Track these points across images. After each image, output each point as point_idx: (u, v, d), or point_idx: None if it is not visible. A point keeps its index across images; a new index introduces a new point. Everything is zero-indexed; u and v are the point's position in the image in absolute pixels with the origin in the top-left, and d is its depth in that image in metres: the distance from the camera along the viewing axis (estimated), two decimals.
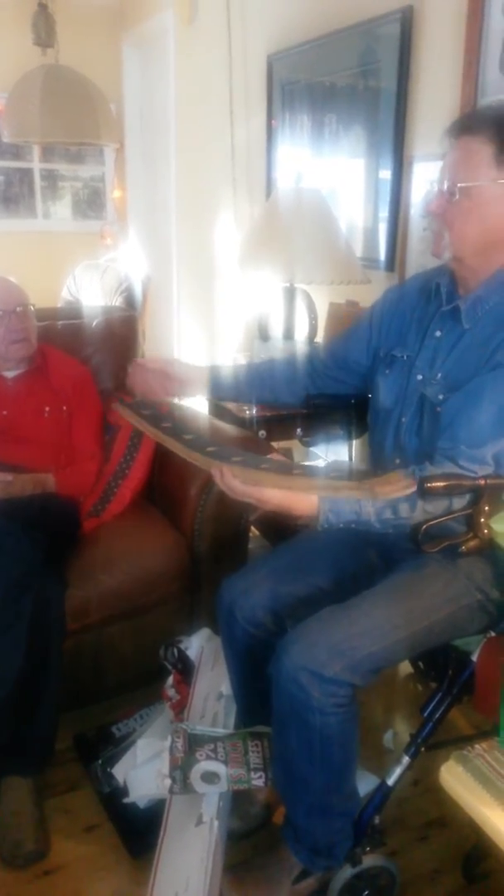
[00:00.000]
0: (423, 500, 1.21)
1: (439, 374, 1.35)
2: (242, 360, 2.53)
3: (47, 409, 1.98)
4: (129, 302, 3.38)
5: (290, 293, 2.31)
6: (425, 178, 2.01)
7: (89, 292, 3.57)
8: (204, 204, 3.33)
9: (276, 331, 2.41)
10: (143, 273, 3.66)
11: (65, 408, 2.00)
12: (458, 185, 1.24)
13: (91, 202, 4.54)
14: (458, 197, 1.25)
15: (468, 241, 1.28)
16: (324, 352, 1.66)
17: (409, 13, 1.97)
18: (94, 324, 2.29)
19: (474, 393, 1.26)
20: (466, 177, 1.24)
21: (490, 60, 1.74)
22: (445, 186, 1.27)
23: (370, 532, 1.28)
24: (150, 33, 3.78)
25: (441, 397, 1.33)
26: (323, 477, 1.24)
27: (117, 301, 3.38)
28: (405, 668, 1.98)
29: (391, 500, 1.21)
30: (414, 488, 1.15)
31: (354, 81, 2.28)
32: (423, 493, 1.18)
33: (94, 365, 2.20)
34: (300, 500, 1.22)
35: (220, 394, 1.69)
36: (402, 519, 1.23)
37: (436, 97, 1.95)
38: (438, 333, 1.39)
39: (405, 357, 1.44)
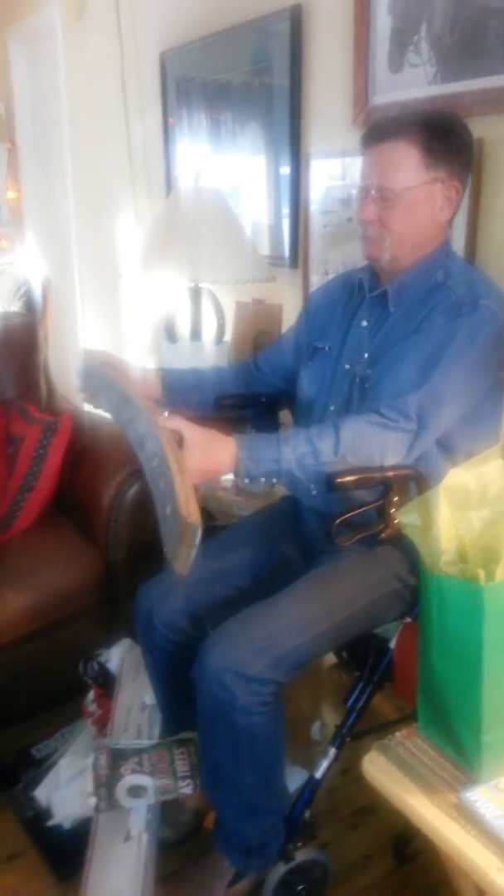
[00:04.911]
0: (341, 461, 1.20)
1: (366, 355, 1.38)
2: (151, 364, 2.48)
3: None
4: (29, 306, 3.26)
5: (196, 293, 2.28)
6: (324, 173, 2.03)
7: None
8: (103, 204, 3.25)
9: (184, 331, 2.38)
10: (42, 276, 3.54)
11: None
12: (394, 189, 1.27)
13: None
14: (393, 201, 1.28)
15: (407, 241, 1.32)
16: (259, 359, 1.65)
17: (297, 11, 1.98)
18: None
19: (398, 356, 1.29)
20: (398, 180, 1.27)
21: (379, 59, 1.78)
22: (375, 192, 1.29)
23: (289, 514, 1.25)
24: (37, 29, 3.65)
25: (369, 371, 1.36)
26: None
27: (16, 306, 3.26)
28: (330, 658, 2.00)
29: (299, 453, 1.20)
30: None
31: (249, 79, 2.28)
32: (332, 488, 1.19)
33: None
34: (218, 451, 1.19)
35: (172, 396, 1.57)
36: (323, 465, 1.21)
37: (329, 95, 1.97)
38: (365, 323, 1.41)
39: (327, 348, 1.46)
